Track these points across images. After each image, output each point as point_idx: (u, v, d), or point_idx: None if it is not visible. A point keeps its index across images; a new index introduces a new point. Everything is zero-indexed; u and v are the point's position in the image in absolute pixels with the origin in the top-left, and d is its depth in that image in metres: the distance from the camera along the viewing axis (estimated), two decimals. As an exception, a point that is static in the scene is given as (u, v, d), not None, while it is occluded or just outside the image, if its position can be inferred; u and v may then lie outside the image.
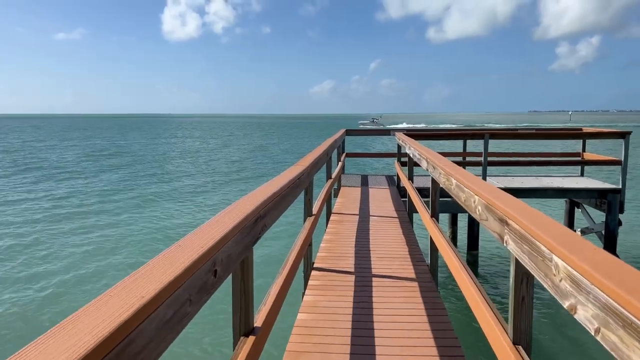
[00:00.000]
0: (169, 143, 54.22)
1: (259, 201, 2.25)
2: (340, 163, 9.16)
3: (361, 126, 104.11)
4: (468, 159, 11.16)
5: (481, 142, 9.10)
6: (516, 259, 2.00)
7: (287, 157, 35.62)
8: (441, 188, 4.18)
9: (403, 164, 9.58)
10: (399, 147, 9.43)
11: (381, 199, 8.54)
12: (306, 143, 53.19)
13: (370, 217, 7.06)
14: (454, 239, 11.35)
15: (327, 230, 6.43)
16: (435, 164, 4.32)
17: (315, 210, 4.72)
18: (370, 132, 13.67)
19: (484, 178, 9.30)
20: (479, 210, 2.60)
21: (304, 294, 4.20)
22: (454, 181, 3.37)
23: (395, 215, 7.23)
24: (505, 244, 2.13)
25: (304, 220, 4.56)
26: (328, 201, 7.01)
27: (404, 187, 9.30)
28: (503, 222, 2.14)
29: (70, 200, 18.46)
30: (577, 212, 10.78)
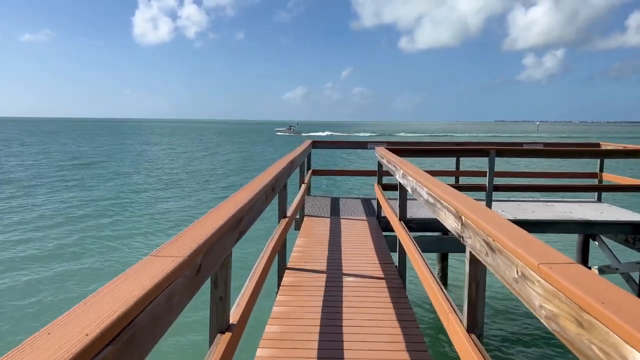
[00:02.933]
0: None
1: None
2: (303, 187, 6.90)
3: (278, 133, 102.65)
4: (462, 180, 9.10)
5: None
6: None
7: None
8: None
9: (385, 187, 7.39)
10: (380, 165, 7.26)
11: (358, 241, 6.26)
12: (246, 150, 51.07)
13: (344, 277, 4.75)
14: (443, 277, 9.23)
15: (273, 310, 4.12)
16: (465, 216, 2.27)
17: (260, 268, 3.22)
18: (342, 144, 11.19)
19: (489, 205, 7.22)
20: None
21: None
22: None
23: (381, 275, 4.92)
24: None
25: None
26: (281, 250, 4.73)
27: (385, 217, 7.15)
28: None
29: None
30: (592, 244, 8.83)
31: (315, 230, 6.69)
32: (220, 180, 26.49)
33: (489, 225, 1.86)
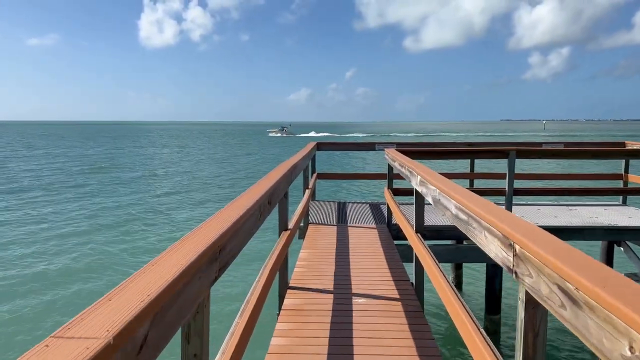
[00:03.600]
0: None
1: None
2: (308, 192, 6.35)
3: (271, 134, 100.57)
4: (477, 183, 8.53)
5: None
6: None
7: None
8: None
9: (396, 192, 6.84)
10: (390, 168, 6.70)
11: (368, 252, 5.69)
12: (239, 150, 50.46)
13: (353, 298, 4.18)
14: (457, 286, 8.67)
15: (276, 328, 3.58)
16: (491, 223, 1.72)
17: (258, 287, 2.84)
18: (349, 146, 10.61)
19: (509, 210, 6.64)
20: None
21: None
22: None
23: (395, 294, 4.35)
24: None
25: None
26: (282, 267, 4.17)
27: (397, 224, 6.60)
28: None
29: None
30: (617, 250, 8.23)
31: (321, 240, 6.14)
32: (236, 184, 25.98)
33: (568, 267, 1.30)
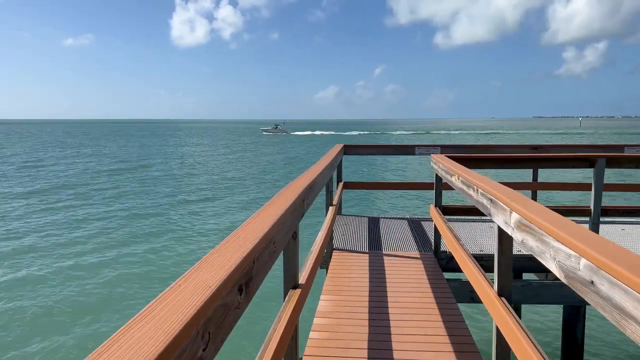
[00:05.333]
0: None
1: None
2: (332, 211, 4.88)
3: (264, 133, 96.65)
4: (540, 195, 6.88)
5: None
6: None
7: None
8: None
9: (446, 210, 5.31)
10: (438, 178, 5.18)
11: (412, 295, 4.20)
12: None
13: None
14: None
15: None
16: None
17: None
18: (382, 149, 8.31)
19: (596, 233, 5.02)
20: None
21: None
22: None
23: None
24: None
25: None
26: (292, 339, 2.73)
27: (447, 252, 5.13)
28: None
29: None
30: None
31: (348, 277, 4.67)
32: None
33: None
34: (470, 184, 3.32)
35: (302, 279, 2.80)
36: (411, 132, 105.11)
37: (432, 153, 6.98)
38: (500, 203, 2.54)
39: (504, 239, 2.69)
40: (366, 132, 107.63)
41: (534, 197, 7.14)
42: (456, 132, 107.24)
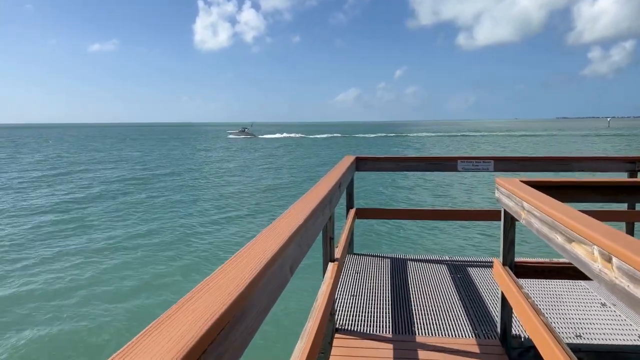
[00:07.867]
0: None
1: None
2: (333, 269, 2.86)
3: (230, 136, 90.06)
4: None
5: None
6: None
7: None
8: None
9: (521, 268, 3.22)
10: (507, 216, 3.12)
11: None
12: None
13: None
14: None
15: None
16: None
17: None
18: (407, 162, 5.26)
19: None
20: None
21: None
22: None
23: None
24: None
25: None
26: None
27: (524, 338, 3.05)
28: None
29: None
30: None
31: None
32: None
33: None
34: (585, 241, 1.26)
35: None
36: (437, 134, 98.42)
37: (483, 169, 4.89)
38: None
39: None
40: (392, 134, 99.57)
41: (630, 230, 4.98)
42: (486, 133, 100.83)
